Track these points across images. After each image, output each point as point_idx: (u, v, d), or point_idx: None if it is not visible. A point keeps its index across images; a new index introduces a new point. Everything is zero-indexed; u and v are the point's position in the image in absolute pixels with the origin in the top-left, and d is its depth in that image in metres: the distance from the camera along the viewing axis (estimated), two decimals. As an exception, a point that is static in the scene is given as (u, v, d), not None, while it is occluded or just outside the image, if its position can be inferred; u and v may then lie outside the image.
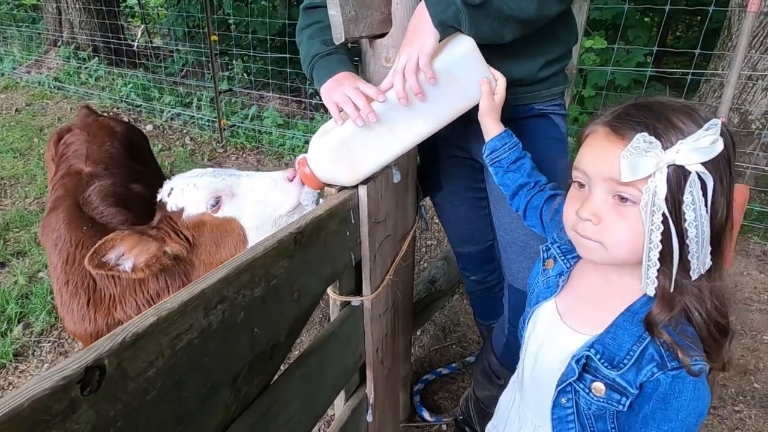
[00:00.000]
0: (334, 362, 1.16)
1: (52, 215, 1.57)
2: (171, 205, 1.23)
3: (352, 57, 1.28)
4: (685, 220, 0.68)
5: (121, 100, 5.45)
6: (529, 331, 0.95)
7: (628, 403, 0.76)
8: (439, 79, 1.04)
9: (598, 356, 0.77)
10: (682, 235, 0.69)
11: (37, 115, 5.21)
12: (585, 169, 0.77)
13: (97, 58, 6.19)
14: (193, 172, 1.28)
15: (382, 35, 1.20)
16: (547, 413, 0.88)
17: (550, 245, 0.97)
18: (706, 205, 0.68)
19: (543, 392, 0.88)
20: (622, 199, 0.72)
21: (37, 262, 2.77)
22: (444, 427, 1.92)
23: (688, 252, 0.69)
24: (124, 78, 5.75)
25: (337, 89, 1.10)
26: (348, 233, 1.09)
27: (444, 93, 1.07)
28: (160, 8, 7.07)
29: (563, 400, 0.84)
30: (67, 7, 6.31)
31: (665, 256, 0.70)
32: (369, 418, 1.39)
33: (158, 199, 1.28)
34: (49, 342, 2.30)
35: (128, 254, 1.15)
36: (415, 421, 1.94)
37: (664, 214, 0.68)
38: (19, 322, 2.37)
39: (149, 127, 4.92)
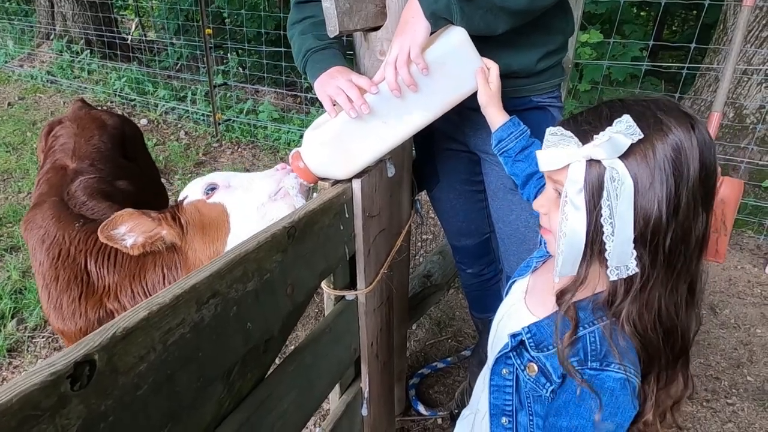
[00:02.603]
0: (329, 356, 1.16)
1: (37, 212, 1.54)
2: (180, 196, 1.32)
3: (345, 51, 1.28)
4: (601, 215, 0.68)
5: (115, 94, 5.41)
6: (503, 302, 0.99)
7: (551, 389, 0.78)
8: (432, 70, 1.04)
9: (529, 336, 0.81)
10: (596, 230, 0.69)
11: (30, 109, 5.16)
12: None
13: (90, 52, 6.14)
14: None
15: (377, 28, 1.20)
16: None
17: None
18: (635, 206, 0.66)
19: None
20: (558, 192, 0.76)
21: (30, 257, 2.75)
22: (439, 420, 1.93)
23: (605, 249, 0.69)
24: (118, 72, 5.71)
25: (331, 82, 1.10)
26: (342, 227, 1.08)
27: (437, 84, 1.07)
28: (153, 1, 7.01)
29: (504, 371, 0.87)
30: (60, -1, 6.26)
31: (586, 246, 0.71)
32: (364, 412, 1.39)
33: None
34: (43, 337, 2.29)
35: (132, 231, 1.24)
36: (410, 415, 1.94)
37: (586, 206, 0.69)
38: (12, 318, 2.36)
39: (143, 122, 4.89)
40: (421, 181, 1.59)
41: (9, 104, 5.26)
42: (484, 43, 1.07)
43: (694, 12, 6.22)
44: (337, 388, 1.34)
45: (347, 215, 1.10)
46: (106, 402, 0.55)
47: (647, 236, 0.67)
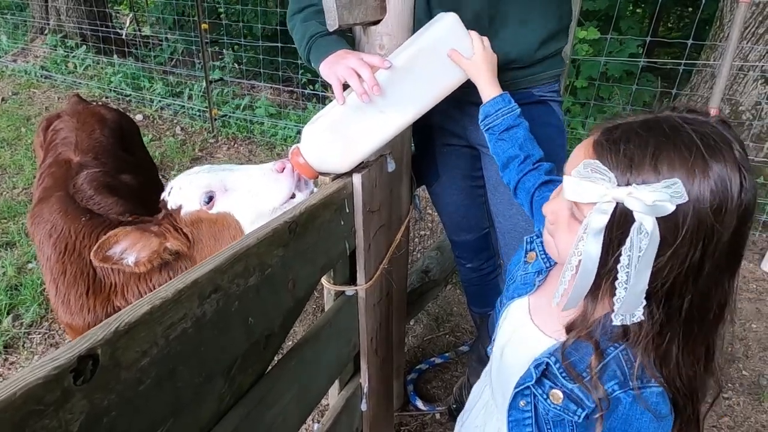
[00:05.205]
0: (329, 352, 1.16)
1: (44, 206, 1.53)
2: (171, 204, 1.26)
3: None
4: (618, 262, 0.63)
5: (110, 90, 5.37)
6: (499, 325, 0.92)
7: (583, 415, 0.72)
8: (427, 57, 1.05)
9: (557, 365, 0.74)
10: (609, 273, 0.65)
11: (24, 105, 5.12)
12: (564, 170, 0.73)
13: (84, 47, 6.09)
14: (194, 169, 1.29)
15: (377, 22, 1.19)
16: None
17: (534, 238, 0.94)
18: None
19: (506, 391, 0.85)
20: (573, 214, 0.69)
21: (26, 253, 2.73)
22: (437, 415, 1.93)
23: (614, 294, 0.64)
24: (113, 67, 5.66)
25: (340, 62, 1.08)
26: (342, 222, 1.08)
27: (432, 70, 1.07)
28: (148, -4, 6.97)
29: (522, 403, 0.81)
30: (54, -7, 6.19)
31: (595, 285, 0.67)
32: (363, 407, 1.39)
33: (161, 198, 1.30)
34: (39, 334, 2.28)
35: (131, 249, 1.18)
36: (408, 410, 1.95)
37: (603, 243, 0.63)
38: (8, 314, 2.35)
39: (139, 117, 4.85)
40: (421, 177, 1.59)
41: (3, 99, 5.21)
42: (481, 29, 1.07)
43: (690, 9, 6.23)
44: (336, 383, 1.34)
45: (348, 210, 1.09)
46: (109, 397, 0.55)
47: (662, 295, 0.64)
